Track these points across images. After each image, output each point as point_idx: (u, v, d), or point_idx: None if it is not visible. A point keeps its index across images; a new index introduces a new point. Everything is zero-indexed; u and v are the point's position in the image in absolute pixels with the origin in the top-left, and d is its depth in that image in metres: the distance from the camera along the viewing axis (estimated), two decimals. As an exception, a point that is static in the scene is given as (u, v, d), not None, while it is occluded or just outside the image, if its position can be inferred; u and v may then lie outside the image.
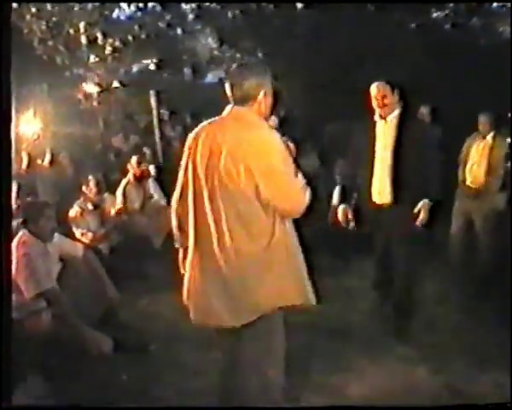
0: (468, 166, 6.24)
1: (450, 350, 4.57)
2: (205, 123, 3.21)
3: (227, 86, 3.15)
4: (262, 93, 3.10)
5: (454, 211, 6.35)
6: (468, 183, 6.22)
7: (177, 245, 3.37)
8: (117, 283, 5.53)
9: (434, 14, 9.91)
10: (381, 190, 4.66)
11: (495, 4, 8.74)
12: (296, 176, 3.05)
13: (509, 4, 8.43)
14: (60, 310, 4.65)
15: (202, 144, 3.09)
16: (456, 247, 6.34)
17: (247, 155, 2.95)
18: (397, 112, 4.64)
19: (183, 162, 3.20)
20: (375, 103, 4.65)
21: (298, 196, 3.04)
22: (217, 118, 3.19)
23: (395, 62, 9.07)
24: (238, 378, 3.15)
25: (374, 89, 4.65)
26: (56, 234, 5.17)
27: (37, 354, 2.92)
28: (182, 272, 3.30)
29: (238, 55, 11.43)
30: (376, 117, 4.71)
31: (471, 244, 6.19)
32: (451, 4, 9.31)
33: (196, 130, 3.20)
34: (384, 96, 4.57)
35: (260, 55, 11.02)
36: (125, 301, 5.57)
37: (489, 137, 6.09)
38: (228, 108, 3.16)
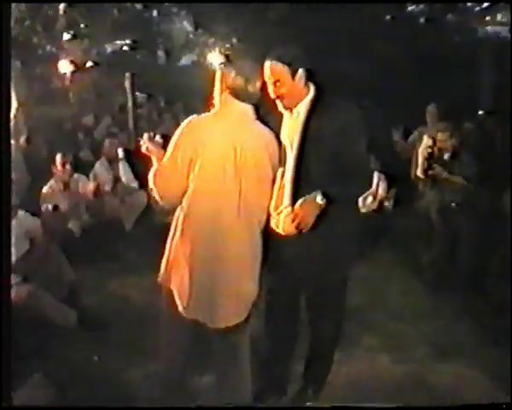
0: (420, 160, 6.40)
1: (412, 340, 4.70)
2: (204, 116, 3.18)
3: (240, 80, 3.15)
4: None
5: (414, 204, 6.53)
6: (419, 175, 6.39)
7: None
8: (87, 264, 5.57)
9: (410, 8, 10.02)
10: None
11: (469, 3, 8.88)
12: None
13: (483, 4, 8.58)
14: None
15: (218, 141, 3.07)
16: (417, 238, 6.49)
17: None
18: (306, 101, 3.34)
19: (181, 153, 3.08)
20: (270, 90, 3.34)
21: None
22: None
23: (368, 53, 9.20)
24: None
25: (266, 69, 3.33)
26: (22, 212, 5.16)
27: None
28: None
29: (212, 40, 11.45)
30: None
31: (432, 234, 6.31)
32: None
33: (197, 121, 3.15)
34: (277, 81, 3.28)
35: (234, 40, 11.05)
36: (95, 283, 5.62)
37: (440, 134, 6.25)
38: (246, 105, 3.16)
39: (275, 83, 3.27)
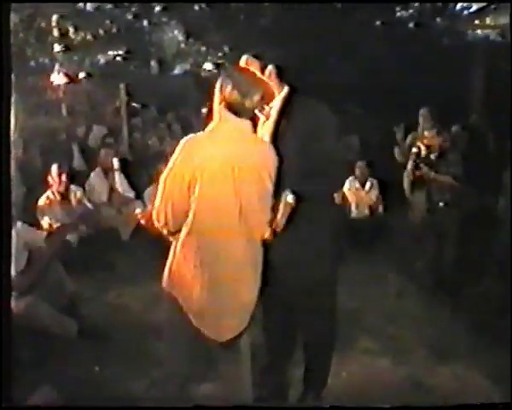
0: (409, 162, 6.44)
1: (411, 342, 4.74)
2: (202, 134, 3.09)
3: (237, 94, 3.07)
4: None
5: (406, 206, 6.58)
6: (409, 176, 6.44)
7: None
8: (85, 274, 5.58)
9: (399, 13, 10.07)
10: None
11: (458, 6, 8.93)
12: None
13: (473, 8, 8.63)
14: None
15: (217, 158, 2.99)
16: (412, 238, 6.53)
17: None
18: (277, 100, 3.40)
19: (179, 182, 3.00)
20: None
21: None
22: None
23: (358, 59, 9.25)
24: None
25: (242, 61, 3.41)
26: (20, 223, 5.17)
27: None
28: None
29: (203, 49, 11.47)
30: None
31: (425, 236, 6.35)
32: (416, 4, 9.47)
33: (192, 142, 3.05)
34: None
35: (226, 49, 11.07)
36: (93, 293, 5.64)
37: (426, 132, 6.30)
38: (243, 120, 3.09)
39: None
